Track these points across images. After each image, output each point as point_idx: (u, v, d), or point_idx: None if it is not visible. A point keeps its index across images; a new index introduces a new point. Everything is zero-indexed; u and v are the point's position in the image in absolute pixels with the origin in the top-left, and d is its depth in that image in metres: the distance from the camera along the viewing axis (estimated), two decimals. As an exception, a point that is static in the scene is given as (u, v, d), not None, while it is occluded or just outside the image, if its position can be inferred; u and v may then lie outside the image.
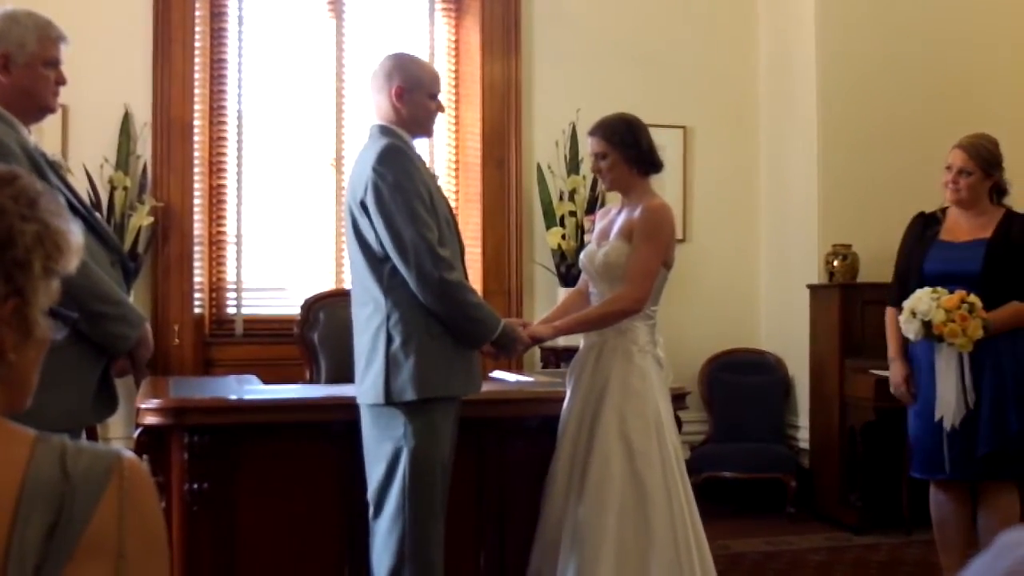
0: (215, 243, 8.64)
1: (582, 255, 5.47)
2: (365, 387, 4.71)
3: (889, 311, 6.12)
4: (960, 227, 6.04)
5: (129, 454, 1.69)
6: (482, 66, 9.05)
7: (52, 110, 4.23)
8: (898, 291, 6.04)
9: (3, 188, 1.68)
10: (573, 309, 5.47)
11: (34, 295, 1.69)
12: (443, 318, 4.65)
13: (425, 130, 4.99)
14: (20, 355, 1.69)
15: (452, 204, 6.29)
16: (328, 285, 8.52)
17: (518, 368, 8.18)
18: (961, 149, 5.99)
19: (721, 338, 9.38)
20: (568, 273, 8.57)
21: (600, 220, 5.50)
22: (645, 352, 5.13)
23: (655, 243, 5.12)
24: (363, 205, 4.64)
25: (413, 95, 4.80)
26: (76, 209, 4.04)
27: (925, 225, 6.18)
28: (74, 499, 1.59)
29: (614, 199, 5.78)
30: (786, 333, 9.28)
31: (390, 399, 4.59)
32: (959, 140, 6.06)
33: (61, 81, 4.14)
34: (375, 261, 4.67)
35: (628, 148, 5.17)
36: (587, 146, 5.38)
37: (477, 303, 4.79)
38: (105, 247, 4.14)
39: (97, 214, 4.45)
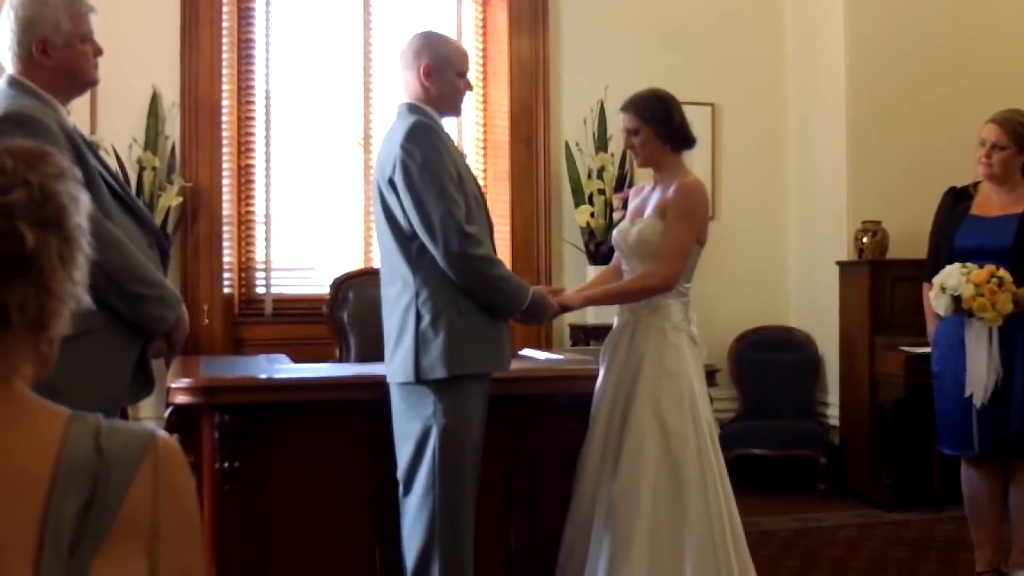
0: (244, 223, 8.66)
1: (615, 232, 5.45)
2: (395, 365, 4.71)
3: (925, 287, 6.09)
4: (992, 202, 6.02)
5: (163, 433, 1.69)
6: (510, 44, 9.05)
7: (95, 83, 4.26)
8: (932, 267, 6.03)
9: (43, 166, 1.69)
10: (606, 284, 5.49)
11: (76, 270, 1.70)
12: (472, 293, 4.65)
13: (453, 108, 4.99)
14: (57, 330, 1.70)
15: (481, 183, 6.28)
16: (357, 264, 8.53)
17: (547, 346, 8.19)
18: (995, 124, 5.97)
19: (750, 315, 9.38)
20: (597, 251, 8.57)
21: (634, 198, 5.49)
22: (679, 330, 5.12)
23: (689, 221, 5.11)
24: (391, 183, 4.64)
25: (442, 73, 4.80)
26: (114, 189, 4.06)
27: (956, 200, 6.17)
28: (108, 478, 1.59)
29: (644, 176, 5.79)
30: (815, 310, 9.26)
31: (420, 377, 4.59)
32: (993, 115, 6.04)
33: (99, 52, 4.16)
34: (403, 239, 4.66)
35: (660, 124, 5.16)
36: (618, 122, 5.36)
37: (505, 275, 4.79)
38: (142, 228, 4.15)
39: (134, 195, 4.46)
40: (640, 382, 5.04)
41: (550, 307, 4.98)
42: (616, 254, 5.53)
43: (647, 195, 5.35)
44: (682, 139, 5.23)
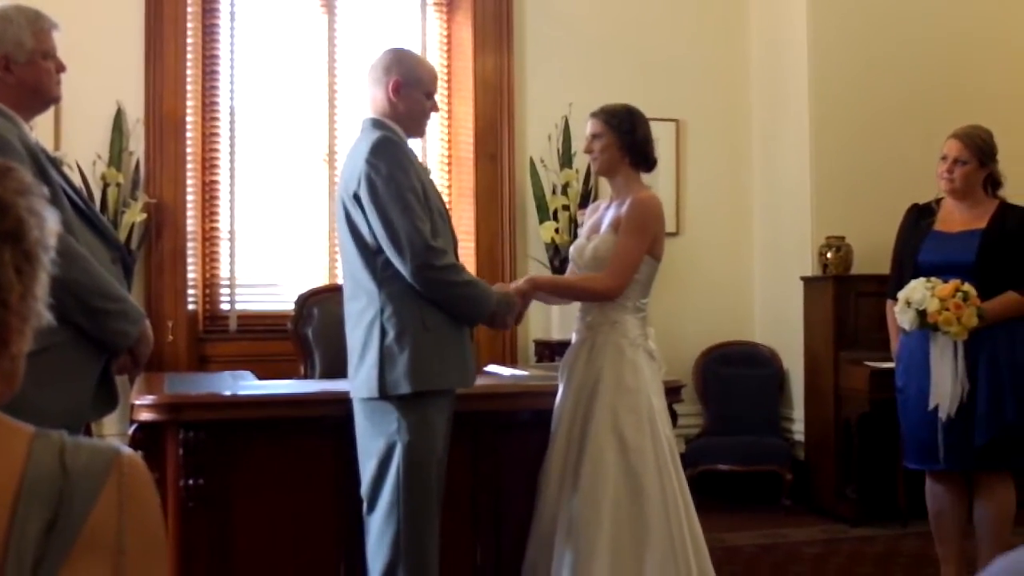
0: (208, 239, 8.64)
1: (572, 248, 5.51)
2: (359, 381, 4.69)
3: (888, 304, 6.12)
4: (954, 218, 6.06)
5: (128, 450, 1.68)
6: (474, 61, 9.06)
7: (57, 100, 4.27)
8: (896, 283, 6.05)
9: (3, 180, 1.67)
10: None
11: (37, 286, 1.69)
12: (439, 303, 4.64)
13: (418, 129, 4.99)
14: (19, 347, 1.69)
15: (445, 199, 6.30)
16: (321, 280, 8.52)
17: (512, 362, 8.20)
18: (957, 139, 6.02)
19: (715, 331, 9.39)
20: (562, 267, 8.56)
21: (590, 216, 5.53)
22: (636, 346, 5.13)
23: (640, 235, 5.13)
24: (356, 197, 4.63)
25: (410, 91, 4.80)
26: (77, 205, 4.04)
27: (919, 216, 6.20)
28: (73, 495, 1.58)
29: (605, 193, 5.79)
30: (780, 325, 9.28)
31: (384, 392, 4.57)
32: (954, 130, 6.09)
33: (61, 69, 4.17)
34: (368, 254, 4.65)
35: (624, 134, 5.20)
36: (586, 128, 5.39)
37: (470, 281, 4.82)
38: (106, 244, 4.14)
39: (97, 211, 4.44)
40: (598, 398, 5.06)
41: (514, 304, 5.01)
42: (569, 268, 5.56)
43: (603, 212, 5.39)
44: (642, 156, 5.27)
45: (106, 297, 3.91)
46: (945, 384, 5.76)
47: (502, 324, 5.09)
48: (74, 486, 1.59)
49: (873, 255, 8.01)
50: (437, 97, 5.00)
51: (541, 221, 8.92)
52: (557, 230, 8.80)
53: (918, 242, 6.07)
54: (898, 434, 6.27)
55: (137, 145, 8.25)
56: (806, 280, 8.86)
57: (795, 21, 9.03)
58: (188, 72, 8.43)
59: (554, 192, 8.96)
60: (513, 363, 8.13)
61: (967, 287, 5.68)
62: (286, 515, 5.15)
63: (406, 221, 4.53)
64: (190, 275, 8.43)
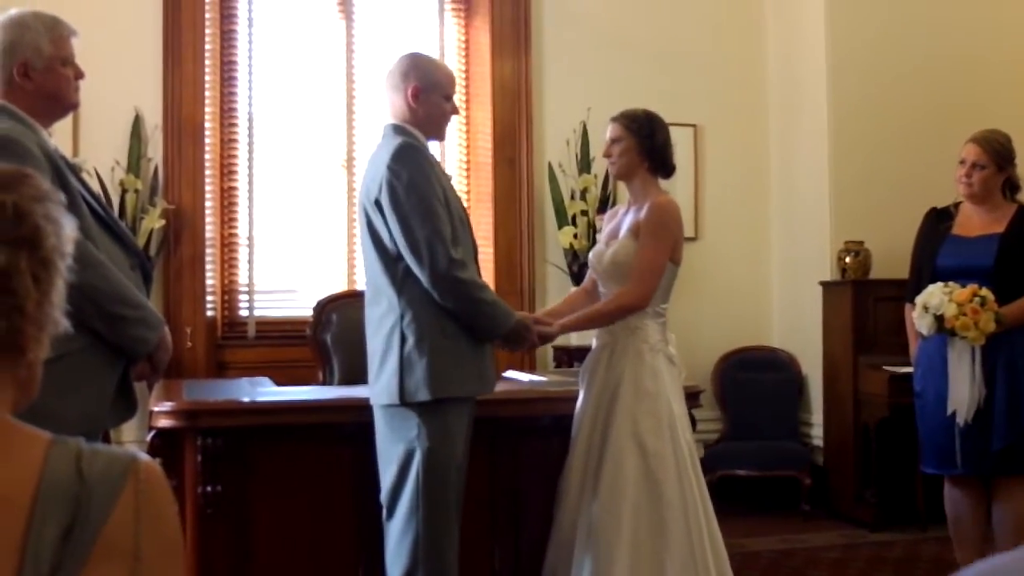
0: (227, 245, 8.65)
1: (591, 255, 5.49)
2: (379, 387, 4.69)
3: (907, 309, 6.11)
4: (973, 222, 6.04)
5: (145, 456, 1.68)
6: (492, 66, 9.05)
7: (76, 106, 4.27)
8: (914, 288, 6.04)
9: (20, 187, 1.68)
10: (578, 307, 5.47)
11: (54, 292, 1.69)
12: (456, 314, 4.64)
13: (438, 132, 4.98)
14: (36, 354, 1.69)
15: (464, 204, 6.29)
16: (340, 287, 8.52)
17: (531, 368, 8.18)
18: (975, 143, 6.00)
19: (734, 336, 9.37)
20: (580, 272, 8.55)
21: (608, 222, 5.52)
22: (656, 351, 5.12)
23: (661, 240, 5.13)
24: (378, 204, 4.63)
25: (429, 96, 4.80)
26: (96, 211, 4.05)
27: (938, 220, 6.19)
28: (90, 501, 1.58)
29: (623, 199, 5.79)
30: (799, 330, 9.26)
31: (404, 399, 4.57)
32: (973, 134, 6.07)
33: (80, 75, 4.17)
34: (389, 260, 4.65)
35: (643, 138, 5.20)
36: (605, 133, 5.39)
37: (490, 299, 4.79)
38: (124, 250, 4.14)
39: (116, 217, 4.45)
40: (618, 404, 5.04)
41: (529, 340, 5.00)
42: (588, 274, 5.56)
43: (621, 217, 5.38)
44: (660, 161, 5.26)
45: (125, 303, 3.91)
46: (963, 389, 5.75)
47: (513, 348, 5.12)
48: (91, 493, 1.59)
49: (892, 259, 7.98)
50: (455, 100, 5.00)
51: (559, 226, 8.91)
52: (575, 235, 8.79)
53: (936, 246, 6.06)
54: (917, 438, 6.25)
55: (155, 151, 8.26)
56: (825, 285, 8.84)
57: (813, 27, 9.02)
58: (206, 78, 8.44)
59: (572, 197, 8.95)
60: (532, 369, 8.12)
61: (985, 292, 5.66)
62: (305, 522, 5.15)
63: (427, 228, 4.53)
64: (208, 281, 8.44)
